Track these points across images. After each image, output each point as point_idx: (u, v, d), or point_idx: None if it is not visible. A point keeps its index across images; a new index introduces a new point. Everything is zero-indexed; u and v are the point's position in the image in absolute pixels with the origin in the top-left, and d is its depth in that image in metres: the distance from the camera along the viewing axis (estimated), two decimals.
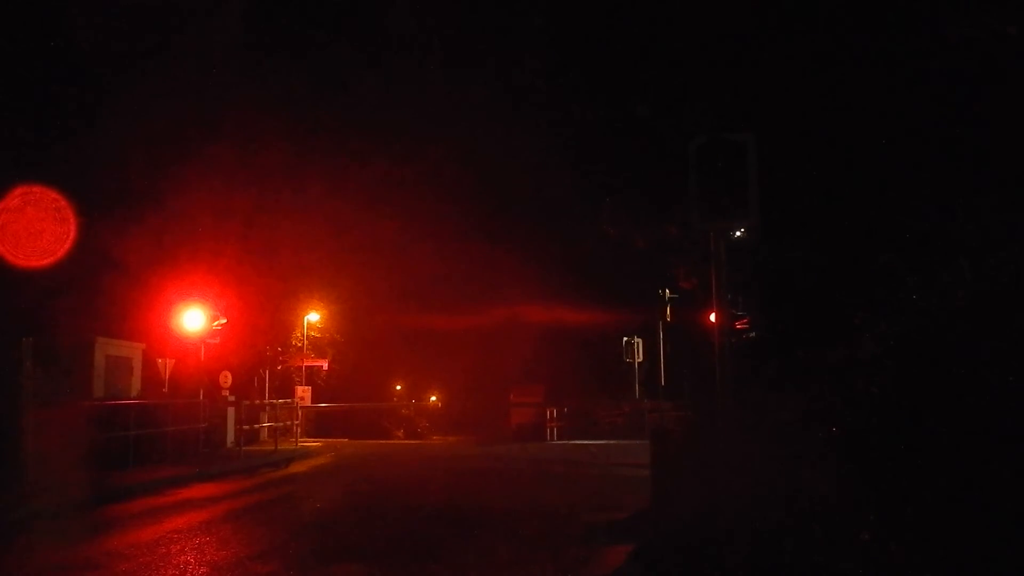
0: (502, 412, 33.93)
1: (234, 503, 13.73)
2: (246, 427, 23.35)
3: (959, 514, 4.60)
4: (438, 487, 16.14)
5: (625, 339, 31.54)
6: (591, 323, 35.97)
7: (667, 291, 27.43)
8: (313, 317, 36.06)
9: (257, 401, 27.05)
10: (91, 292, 21.01)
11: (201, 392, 23.11)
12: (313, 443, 27.35)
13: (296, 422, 26.61)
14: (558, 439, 29.43)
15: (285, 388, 32.62)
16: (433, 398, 44.77)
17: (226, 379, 24.28)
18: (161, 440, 19.20)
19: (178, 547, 9.37)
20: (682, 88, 10.57)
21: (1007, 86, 7.15)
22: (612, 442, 26.24)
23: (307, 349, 35.16)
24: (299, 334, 35.37)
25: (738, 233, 7.74)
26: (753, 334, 10.19)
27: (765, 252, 9.27)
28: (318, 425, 33.05)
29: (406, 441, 34.50)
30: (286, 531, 10.82)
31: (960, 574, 4.56)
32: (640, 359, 31.37)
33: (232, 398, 24.68)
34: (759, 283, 9.70)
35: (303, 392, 31.91)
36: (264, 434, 25.70)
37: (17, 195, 19.23)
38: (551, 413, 30.61)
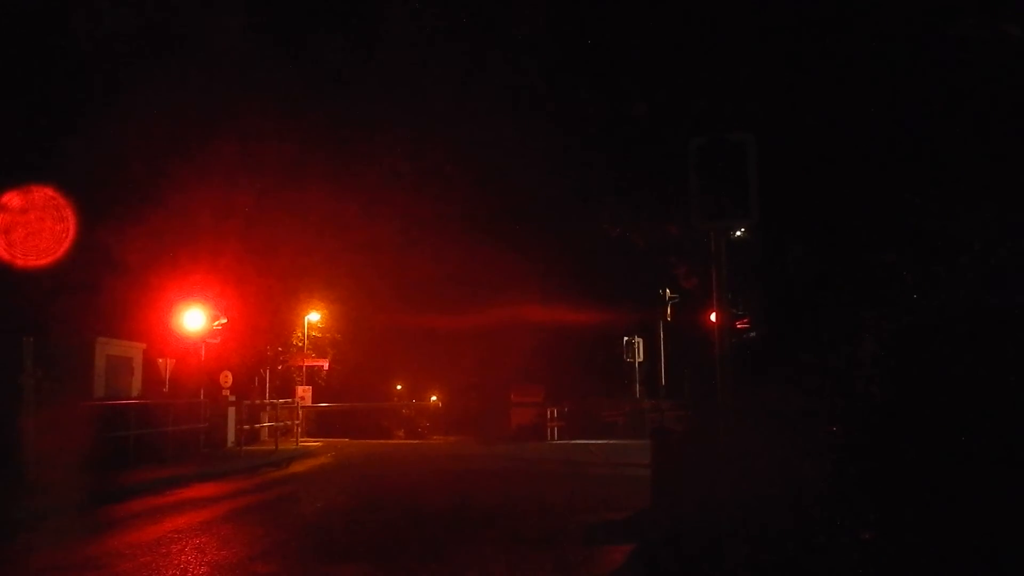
0: (502, 412, 34.00)
1: (235, 503, 13.74)
2: (247, 427, 23.37)
3: (959, 513, 4.60)
4: (438, 487, 16.15)
5: (625, 339, 31.58)
6: (591, 323, 35.95)
7: (667, 291, 27.49)
8: (313, 317, 36.10)
9: (258, 401, 27.06)
10: (91, 292, 20.98)
11: (202, 392, 23.12)
12: (314, 443, 27.36)
13: (296, 422, 26.63)
14: (558, 439, 29.44)
15: (285, 388, 32.62)
16: (433, 398, 44.86)
17: (226, 379, 24.29)
18: (162, 440, 19.21)
19: (179, 547, 9.36)
20: (682, 88, 10.57)
21: (1008, 85, 7.15)
22: (612, 442, 26.27)
23: (307, 349, 35.18)
24: (299, 334, 35.39)
25: (738, 233, 7.76)
26: (753, 334, 10.20)
27: (765, 252, 9.28)
28: (319, 425, 33.10)
29: (407, 441, 34.56)
30: (287, 531, 10.82)
31: (960, 574, 4.56)
32: (640, 359, 31.39)
33: (233, 398, 24.69)
34: (759, 283, 9.70)
35: (303, 392, 31.91)
36: (264, 434, 25.71)
37: (17, 195, 19.24)
38: (551, 413, 30.64)
